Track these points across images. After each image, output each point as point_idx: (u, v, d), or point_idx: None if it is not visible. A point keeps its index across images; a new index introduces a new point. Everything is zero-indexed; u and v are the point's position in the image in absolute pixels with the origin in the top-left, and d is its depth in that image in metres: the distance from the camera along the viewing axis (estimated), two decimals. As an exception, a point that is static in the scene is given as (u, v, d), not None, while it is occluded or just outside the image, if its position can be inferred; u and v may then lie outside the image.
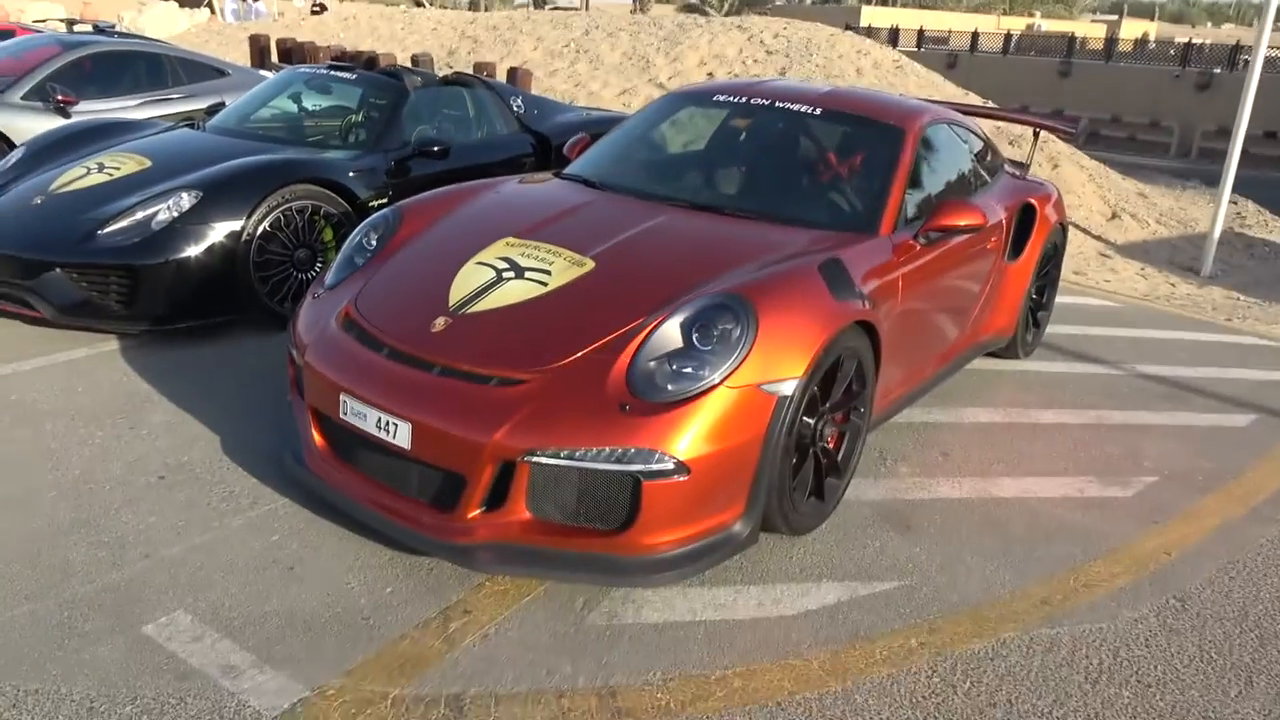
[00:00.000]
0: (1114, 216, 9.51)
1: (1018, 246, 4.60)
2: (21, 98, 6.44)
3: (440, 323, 2.86)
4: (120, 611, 2.51)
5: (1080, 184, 9.76)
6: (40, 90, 6.48)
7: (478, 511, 2.63)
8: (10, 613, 2.48)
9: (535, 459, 2.53)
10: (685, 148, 4.20)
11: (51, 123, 6.15)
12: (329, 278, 3.36)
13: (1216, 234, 8.31)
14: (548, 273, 3.01)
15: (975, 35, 27.65)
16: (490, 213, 3.52)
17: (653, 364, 2.64)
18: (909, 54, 26.19)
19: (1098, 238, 8.97)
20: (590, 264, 3.05)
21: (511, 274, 3.02)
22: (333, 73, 5.78)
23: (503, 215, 3.48)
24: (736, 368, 2.62)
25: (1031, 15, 37.74)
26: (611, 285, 2.96)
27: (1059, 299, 6.39)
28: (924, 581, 2.92)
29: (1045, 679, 2.51)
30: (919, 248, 3.54)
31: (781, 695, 2.38)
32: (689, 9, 41.73)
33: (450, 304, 2.93)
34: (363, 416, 2.76)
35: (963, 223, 3.51)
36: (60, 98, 6.38)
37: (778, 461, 2.76)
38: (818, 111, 3.91)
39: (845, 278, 3.01)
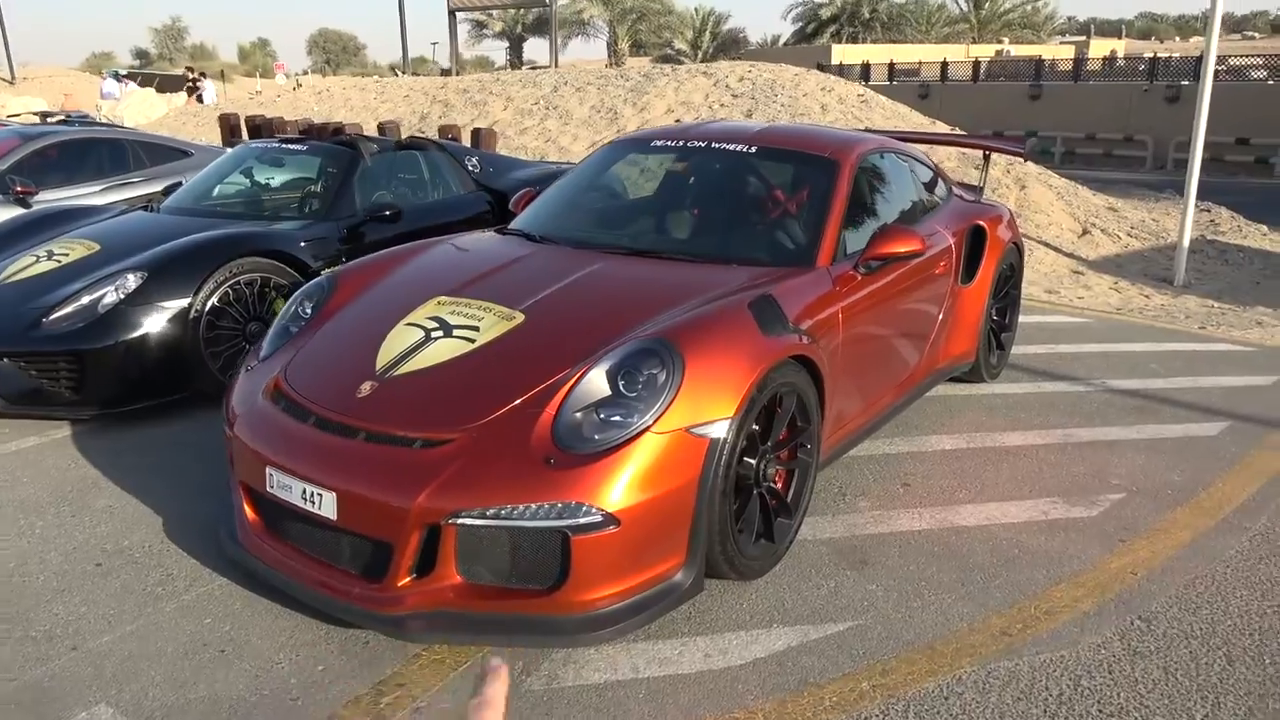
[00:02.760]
0: (1085, 233, 9.52)
1: (970, 269, 4.58)
2: (-19, 190, 6.47)
3: (366, 387, 2.82)
4: (39, 709, 2.43)
5: (1049, 203, 9.78)
6: (0, 182, 6.51)
7: (408, 579, 2.56)
8: (-75, 719, 2.40)
9: (460, 520, 2.46)
10: (625, 195, 4.19)
11: (9, 213, 6.16)
12: (263, 349, 3.32)
13: (1186, 242, 8.30)
14: (476, 329, 2.97)
15: (945, 65, 27.99)
16: (424, 273, 3.50)
17: (579, 415, 2.59)
18: (882, 88, 26.51)
19: (1069, 255, 8.97)
20: (520, 317, 3.01)
21: (440, 333, 2.98)
22: (284, 145, 5.82)
23: (436, 275, 3.45)
24: (663, 413, 2.56)
25: (1000, 42, 38.31)
26: (539, 337, 2.92)
27: (1028, 318, 6.38)
28: (878, 620, 2.83)
29: (1002, 715, 2.41)
30: (860, 277, 3.50)
31: (724, 751, 2.29)
32: (664, 59, 42.46)
33: (377, 367, 2.89)
34: (288, 489, 2.71)
35: (902, 249, 3.49)
36: (19, 189, 6.41)
37: (716, 505, 2.69)
38: (753, 150, 3.90)
39: (776, 313, 2.97)
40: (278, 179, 5.80)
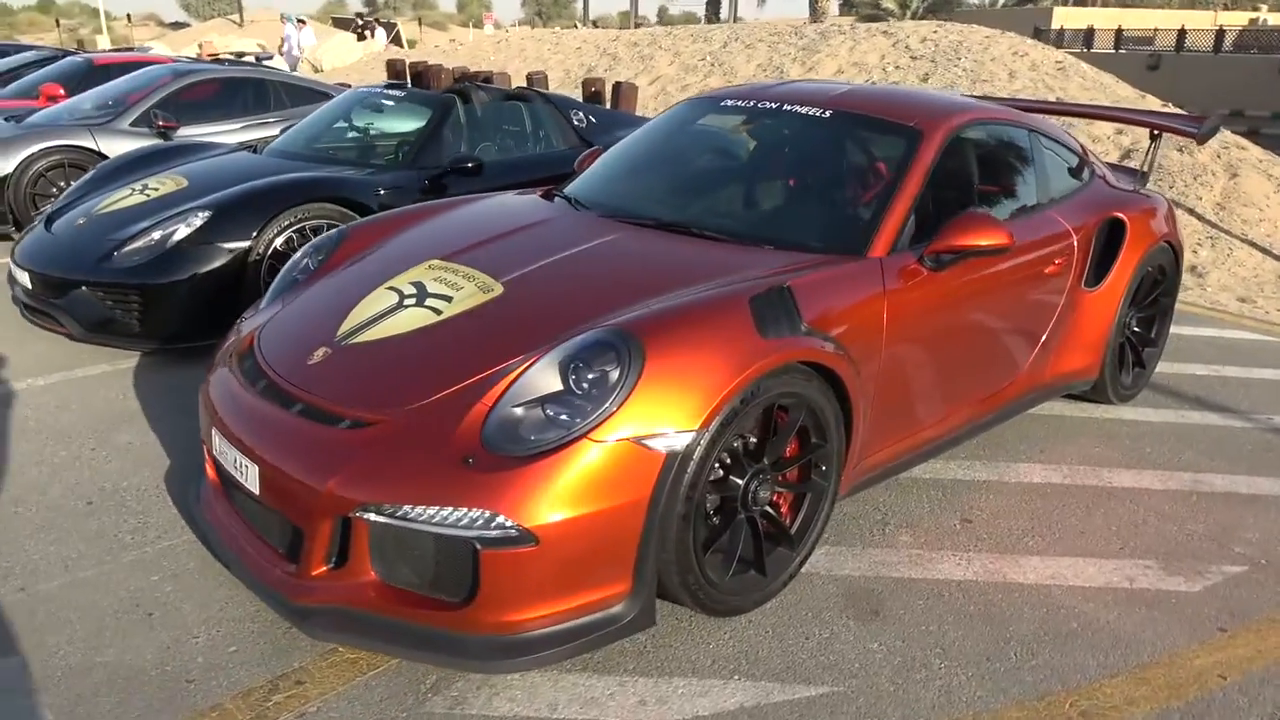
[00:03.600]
0: (1308, 234, 8.07)
1: (1101, 270, 3.84)
2: (130, 124, 6.82)
3: (320, 354, 2.60)
4: (-44, 651, 2.39)
5: (1264, 195, 8.37)
6: (147, 117, 6.83)
7: (323, 569, 2.33)
8: None
9: (366, 515, 2.20)
10: (680, 160, 3.75)
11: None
12: (265, 299, 3.19)
13: None
14: (449, 299, 2.68)
15: (1182, 33, 24.94)
16: (434, 233, 3.24)
17: (519, 410, 2.25)
18: (1104, 57, 24.06)
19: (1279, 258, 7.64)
20: (498, 290, 2.69)
21: (412, 300, 2.72)
22: (385, 91, 5.73)
23: (443, 236, 3.19)
24: (607, 418, 2.18)
25: (1258, 9, 33.74)
26: (508, 315, 2.59)
27: (1199, 331, 5.46)
28: (864, 689, 2.35)
29: (975, 843, 1.91)
30: (925, 273, 2.94)
31: (610, 830, 1.92)
32: (870, 19, 40.31)
33: (338, 333, 2.66)
34: (224, 454, 2.54)
35: (983, 242, 2.90)
36: (161, 123, 6.70)
37: (673, 530, 2.29)
38: (827, 114, 3.37)
39: (785, 310, 2.49)
40: (377, 125, 5.73)
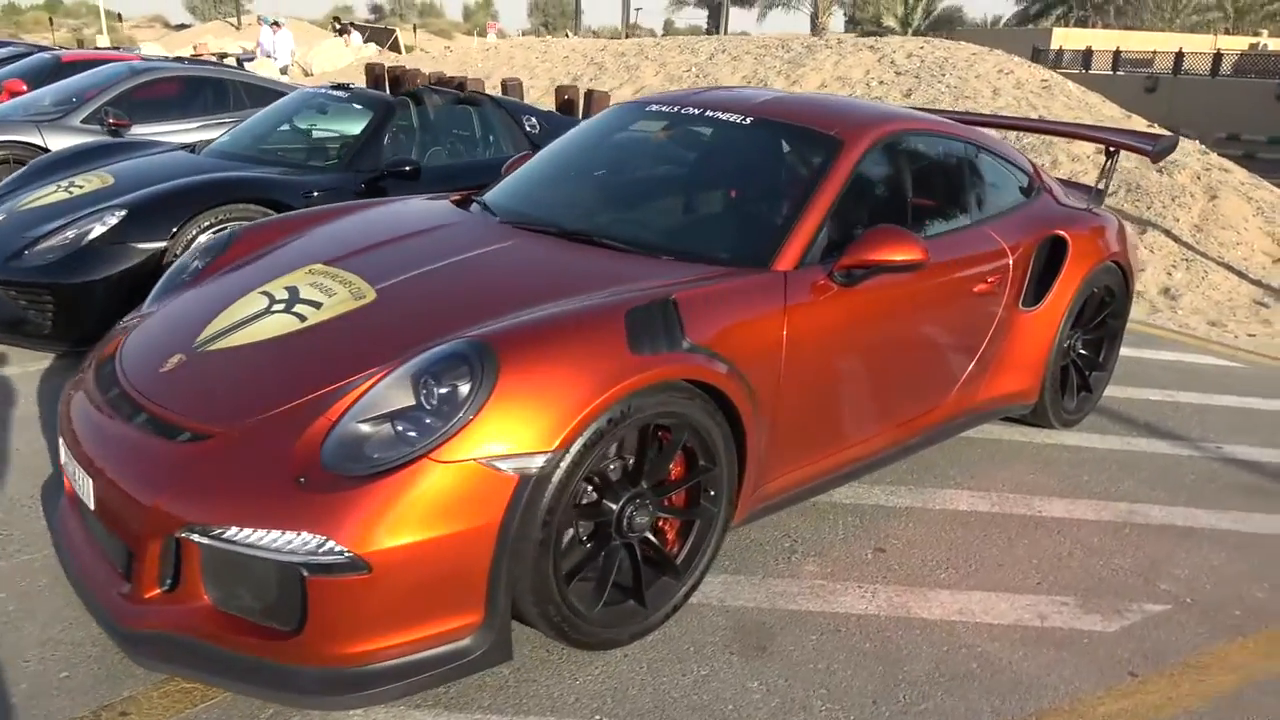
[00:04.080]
0: (1285, 258, 7.93)
1: (1041, 290, 3.69)
2: (82, 121, 6.70)
3: (173, 361, 2.44)
4: None
5: (1242, 219, 8.22)
6: (99, 114, 6.71)
7: (156, 592, 2.17)
8: None
9: (192, 536, 2.04)
10: (594, 166, 3.60)
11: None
12: (148, 300, 3.04)
13: None
14: (318, 306, 2.53)
15: (1179, 55, 24.85)
16: (327, 237, 3.09)
17: (366, 426, 2.09)
18: (1101, 78, 24.01)
19: (1256, 282, 7.47)
20: (370, 297, 2.54)
21: (281, 306, 2.57)
22: (330, 93, 5.60)
23: (336, 239, 3.04)
24: (451, 436, 2.02)
25: (1258, 34, 33.67)
26: (372, 324, 2.44)
27: (1159, 355, 5.33)
28: (733, 733, 2.18)
29: None
30: (836, 288, 2.79)
31: None
32: (869, 35, 40.34)
33: (197, 340, 2.51)
34: (68, 467, 2.39)
35: (896, 257, 2.75)
36: (112, 120, 6.57)
37: (530, 558, 2.13)
38: (748, 121, 3.22)
39: (665, 325, 2.34)
40: (320, 127, 5.60)
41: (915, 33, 39.92)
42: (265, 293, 2.66)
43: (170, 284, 3.04)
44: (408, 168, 4.87)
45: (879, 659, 2.48)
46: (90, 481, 2.25)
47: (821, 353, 2.78)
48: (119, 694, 2.21)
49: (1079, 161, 9.15)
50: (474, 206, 3.35)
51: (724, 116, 3.27)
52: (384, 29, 31.23)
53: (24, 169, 5.20)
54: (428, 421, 2.06)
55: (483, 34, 46.98)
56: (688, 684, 2.34)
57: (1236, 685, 2.49)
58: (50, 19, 50.54)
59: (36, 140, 6.46)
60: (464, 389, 2.07)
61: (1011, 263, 3.51)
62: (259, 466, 2.07)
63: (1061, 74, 13.26)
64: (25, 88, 8.08)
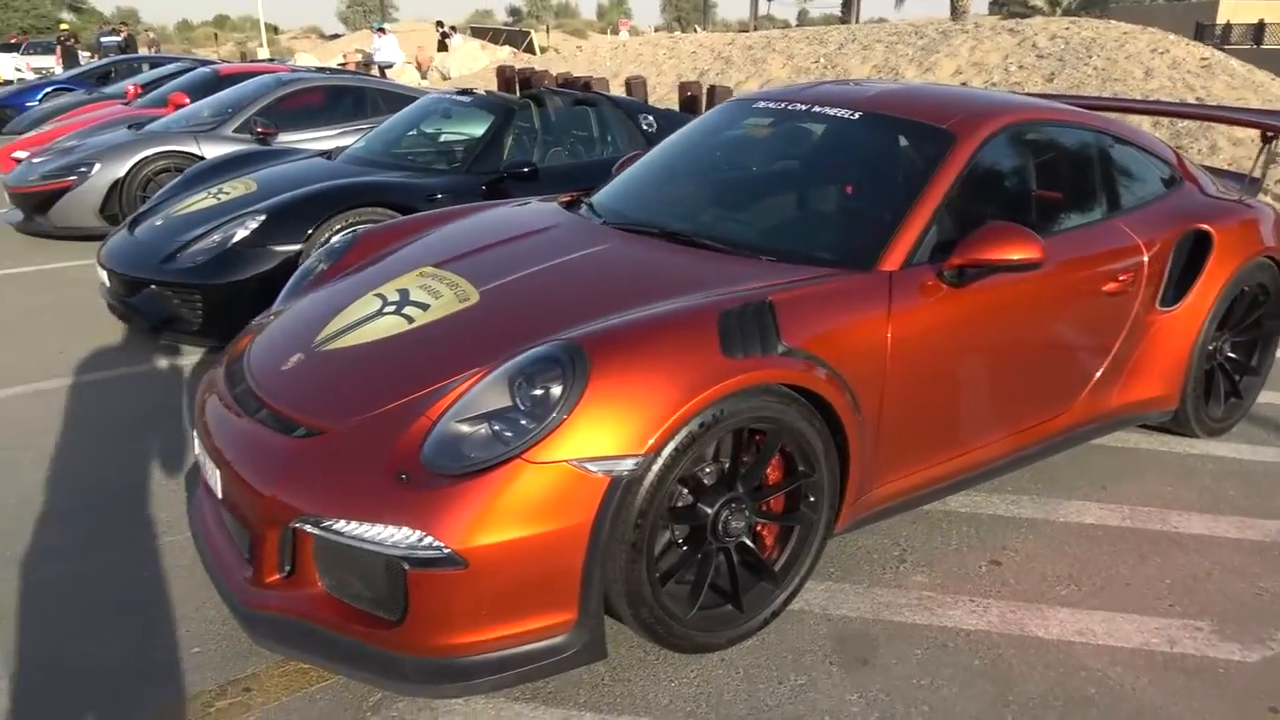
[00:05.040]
0: None
1: (1182, 288, 3.44)
2: (234, 130, 7.17)
3: (294, 360, 2.58)
4: (-54, 635, 2.50)
5: None
6: (249, 123, 7.16)
7: (276, 577, 2.30)
8: None
9: (305, 527, 2.15)
10: (698, 165, 3.57)
11: (247, 153, 6.76)
12: (277, 301, 3.23)
13: None
14: (425, 307, 2.62)
15: (1369, 26, 22.56)
16: (440, 239, 3.19)
17: (464, 426, 2.16)
18: (1275, 53, 22.05)
19: None
20: (474, 298, 2.62)
21: (392, 307, 2.67)
22: (455, 97, 5.79)
23: (447, 242, 3.14)
24: (544, 438, 2.06)
25: None
26: (475, 325, 2.50)
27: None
28: (827, 746, 2.14)
29: None
30: (945, 289, 2.68)
31: None
32: (1016, 15, 38.43)
33: (315, 340, 2.64)
34: (199, 457, 2.56)
35: (1011, 256, 2.62)
36: (260, 130, 7.00)
37: (621, 559, 2.15)
38: (856, 116, 3.13)
39: (761, 327, 2.30)
40: (446, 130, 5.80)
41: (1065, 12, 37.81)
42: (379, 294, 2.78)
43: (297, 285, 3.21)
44: (525, 169, 4.98)
45: (988, 678, 2.37)
46: (218, 472, 2.40)
47: (930, 356, 2.67)
48: (244, 671, 2.36)
49: (1241, 146, 8.47)
50: (582, 208, 3.40)
51: (831, 112, 3.20)
52: (519, 31, 32.03)
53: (180, 177, 5.61)
54: (522, 423, 2.10)
55: (615, 32, 47.46)
56: (784, 693, 2.30)
57: (1398, 728, 2.25)
58: (216, 35, 54.27)
59: (193, 149, 6.95)
60: (556, 391, 2.10)
61: (1147, 259, 3.28)
62: (364, 462, 2.16)
63: (1229, 50, 12.30)
64: (188, 100, 8.72)
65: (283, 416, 2.38)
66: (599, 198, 3.41)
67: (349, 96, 7.83)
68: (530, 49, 27.95)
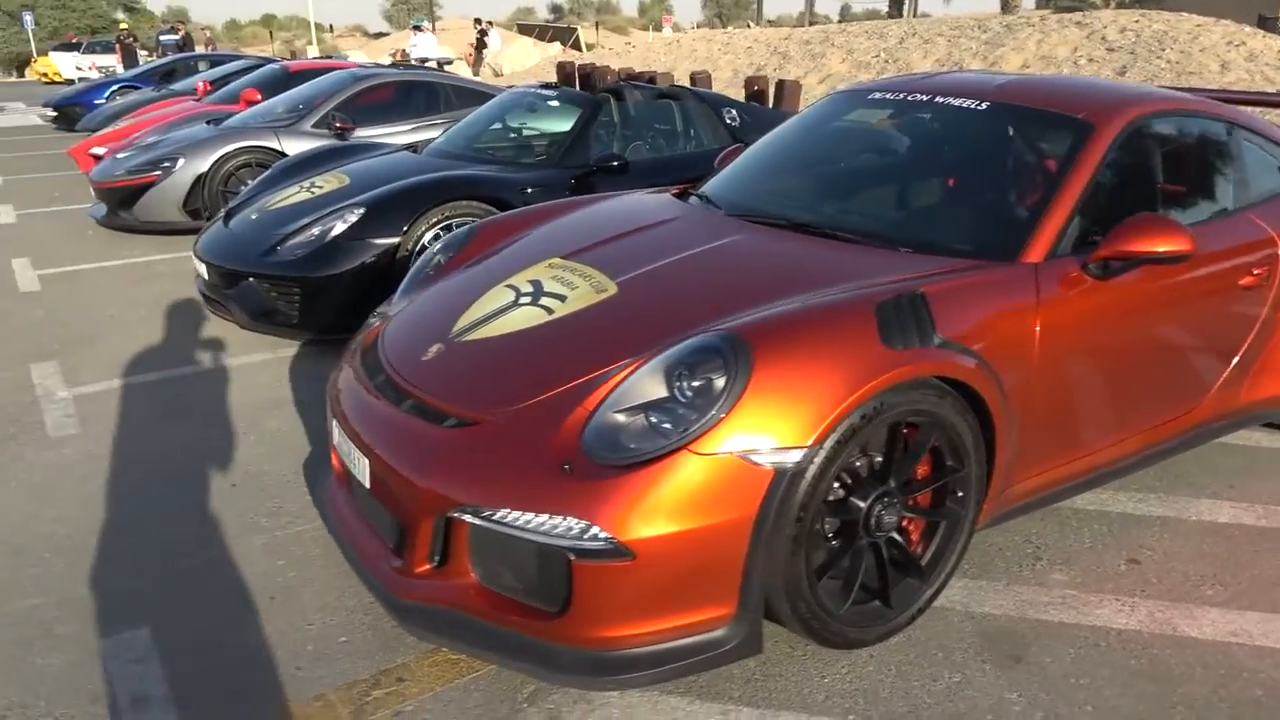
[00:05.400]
0: None
1: (1316, 283, 3.33)
2: (312, 125, 7.25)
3: (434, 350, 2.59)
4: (100, 619, 2.54)
5: None
6: (327, 119, 7.24)
7: (427, 567, 2.31)
8: (13, 605, 2.60)
9: (464, 516, 2.16)
10: (816, 156, 3.53)
11: (328, 147, 6.83)
12: (397, 294, 3.24)
13: None
14: (563, 298, 2.62)
15: None
16: (560, 231, 3.19)
17: (621, 416, 2.15)
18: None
19: None
20: (612, 290, 2.60)
21: (527, 299, 2.67)
22: (539, 92, 5.80)
23: (570, 234, 3.13)
24: (710, 430, 2.04)
25: None
26: (618, 316, 2.49)
27: None
28: (994, 746, 2.10)
29: None
30: (1090, 281, 2.62)
31: None
32: (1068, 10, 37.78)
33: (453, 330, 2.65)
34: (341, 447, 2.58)
35: (1160, 248, 2.55)
36: (339, 125, 7.08)
37: (782, 553, 2.12)
38: (984, 106, 3.08)
39: (917, 319, 2.27)
40: (530, 125, 5.81)
41: (1120, 4, 37.07)
42: (511, 286, 2.78)
43: (417, 277, 3.23)
44: (615, 163, 4.97)
45: (1149, 678, 2.32)
46: (365, 461, 2.41)
47: (1074, 350, 2.62)
48: (394, 660, 2.37)
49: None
50: (693, 200, 3.38)
51: (956, 102, 3.14)
52: (566, 28, 32.10)
53: (268, 172, 5.68)
54: (682, 413, 2.08)
55: (658, 28, 47.34)
56: (940, 690, 2.26)
57: None
58: (270, 33, 55.00)
59: (274, 145, 7.03)
60: (720, 382, 2.08)
61: (1282, 252, 3.19)
62: (525, 452, 2.15)
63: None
64: (260, 96, 8.85)
65: (431, 406, 2.39)
66: (714, 190, 3.38)
67: (422, 92, 7.89)
68: (577, 45, 28.02)
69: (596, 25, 38.70)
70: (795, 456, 2.07)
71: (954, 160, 3.17)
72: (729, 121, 5.80)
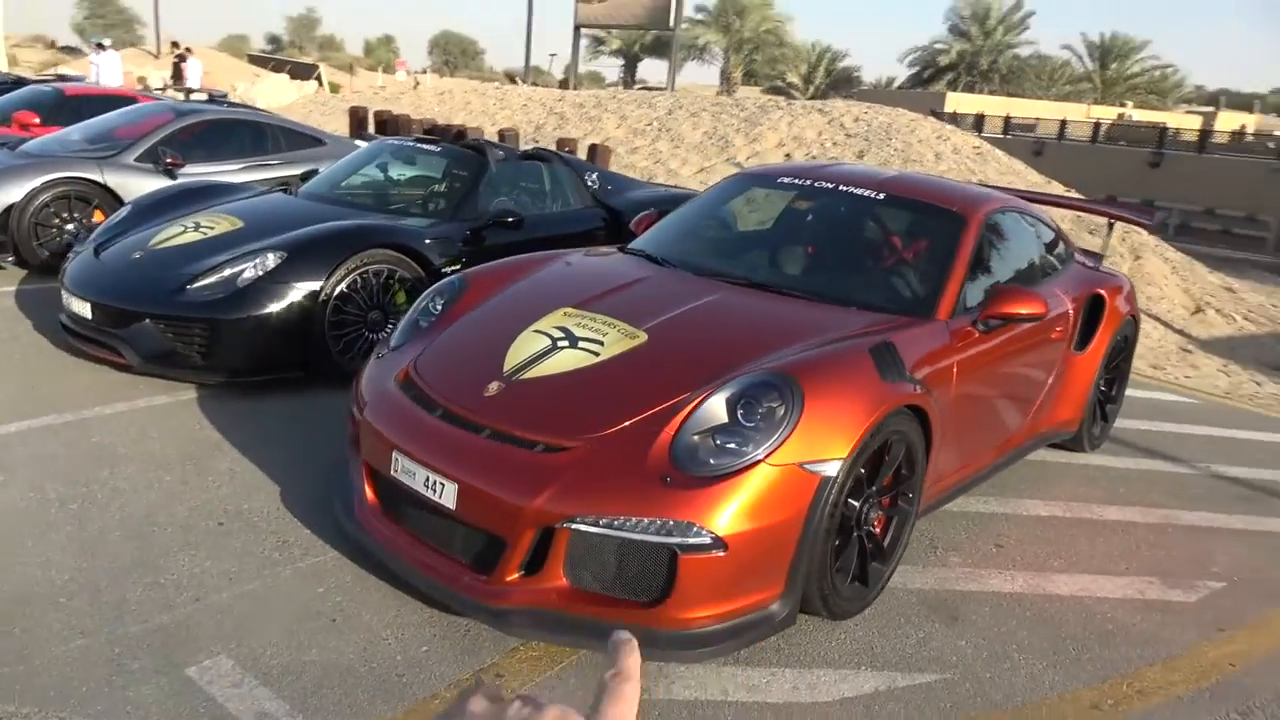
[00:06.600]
0: (1198, 311, 9.23)
1: (1085, 337, 4.53)
2: (135, 159, 6.90)
3: (494, 387, 2.95)
4: (167, 652, 2.61)
5: (1163, 276, 9.53)
6: (152, 153, 6.93)
7: (516, 575, 2.67)
8: (65, 647, 2.60)
9: (575, 526, 2.56)
10: (747, 227, 4.27)
11: (159, 183, 6.57)
12: (394, 339, 3.50)
13: (1308, 333, 7.98)
14: (600, 343, 3.09)
15: (1063, 124, 27.46)
16: (552, 283, 3.64)
17: (696, 438, 2.67)
18: (995, 140, 26.09)
19: (1179, 332, 8.71)
20: (642, 337, 3.11)
21: (566, 343, 3.11)
22: (418, 145, 6.08)
23: (563, 286, 3.59)
24: (779, 445, 2.63)
25: (1123, 105, 37.33)
26: (661, 358, 3.01)
27: (1132, 393, 6.22)
28: (967, 676, 2.83)
29: (1089, 790, 2.40)
30: (977, 334, 3.52)
31: (807, 784, 2.33)
32: (775, 91, 42.57)
33: (505, 369, 3.02)
34: (412, 474, 2.85)
35: (1024, 311, 3.49)
36: (169, 160, 6.81)
37: (819, 543, 2.74)
38: (880, 196, 3.95)
39: (896, 361, 3.01)
40: (409, 176, 6.06)
41: (816, 92, 42.25)
42: (541, 332, 3.19)
43: (415, 323, 3.51)
44: (510, 218, 5.38)
45: (1041, 623, 3.18)
46: (450, 485, 2.73)
47: (971, 383, 3.48)
48: (484, 661, 2.69)
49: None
50: (640, 259, 3.94)
51: (859, 191, 3.99)
52: (307, 64, 31.09)
53: (129, 209, 5.46)
54: (752, 434, 2.65)
55: (389, 70, 46.74)
56: (914, 643, 2.97)
57: (1295, 638, 3.29)
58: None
59: (96, 177, 6.63)
60: (779, 410, 2.68)
61: (1071, 314, 4.33)
62: (626, 469, 2.61)
63: (980, 139, 14.67)
64: (38, 119, 8.19)
65: (510, 435, 2.77)
66: (666, 252, 3.95)
67: (248, 131, 7.73)
68: (321, 84, 27.30)
69: (318, 62, 37.61)
70: (836, 466, 2.70)
71: (870, 238, 4.00)
72: (590, 184, 6.39)
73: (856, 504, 2.96)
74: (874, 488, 3.02)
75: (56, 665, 2.51)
